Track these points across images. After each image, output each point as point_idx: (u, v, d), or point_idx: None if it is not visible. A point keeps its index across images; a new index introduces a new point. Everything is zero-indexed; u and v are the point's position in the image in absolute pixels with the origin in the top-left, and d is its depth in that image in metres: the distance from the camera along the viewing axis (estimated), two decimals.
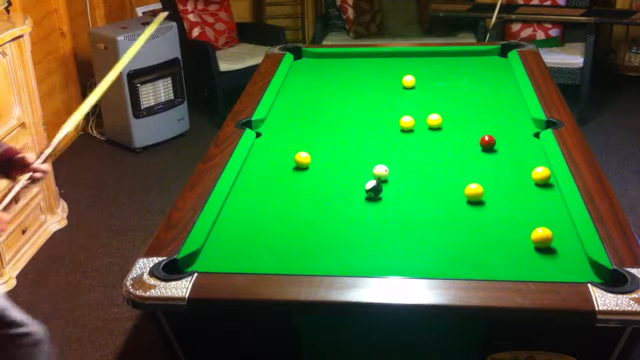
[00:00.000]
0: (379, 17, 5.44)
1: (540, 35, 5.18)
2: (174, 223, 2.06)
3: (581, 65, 4.78)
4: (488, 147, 2.54)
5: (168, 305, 1.73)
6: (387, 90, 3.20)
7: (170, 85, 4.73)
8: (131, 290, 1.75)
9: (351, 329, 1.85)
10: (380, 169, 2.33)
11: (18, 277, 3.36)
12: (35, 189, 3.54)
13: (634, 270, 1.75)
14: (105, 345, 2.91)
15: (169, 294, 1.72)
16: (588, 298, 1.65)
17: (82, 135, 4.95)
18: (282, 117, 2.94)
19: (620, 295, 1.65)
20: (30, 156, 1.90)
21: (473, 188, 2.19)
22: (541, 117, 2.74)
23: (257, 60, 4.55)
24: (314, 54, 3.67)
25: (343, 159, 2.55)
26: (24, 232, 3.49)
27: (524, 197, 2.24)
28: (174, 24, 4.71)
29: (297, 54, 3.65)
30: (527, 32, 5.21)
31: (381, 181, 2.28)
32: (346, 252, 1.96)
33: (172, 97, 4.77)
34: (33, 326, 2.05)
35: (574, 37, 5.21)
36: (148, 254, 1.90)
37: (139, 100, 4.57)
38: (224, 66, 4.93)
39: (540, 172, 2.29)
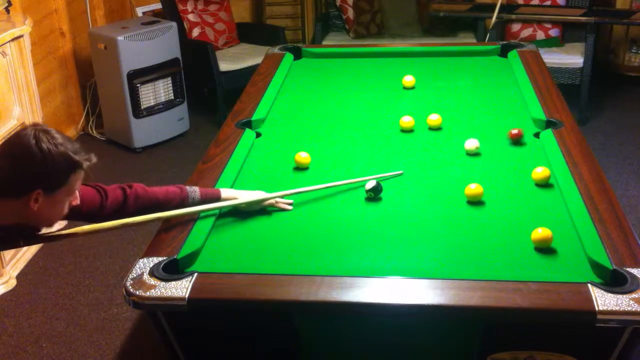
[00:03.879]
0: (379, 17, 5.44)
1: (540, 35, 5.18)
2: (174, 223, 2.06)
3: (581, 65, 4.78)
4: (516, 140, 2.57)
5: (168, 305, 1.73)
6: (387, 90, 3.20)
7: (170, 85, 4.74)
8: (131, 290, 1.75)
9: (351, 329, 1.85)
10: (473, 143, 2.50)
11: (18, 277, 3.36)
12: None
13: (634, 270, 1.75)
14: (105, 345, 2.91)
15: (169, 294, 1.72)
16: (588, 298, 1.65)
17: (82, 135, 4.95)
18: (282, 117, 2.94)
19: (620, 295, 1.65)
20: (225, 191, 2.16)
21: (473, 188, 2.19)
22: (541, 117, 2.74)
23: (257, 60, 4.55)
24: (314, 54, 3.67)
25: (343, 159, 2.55)
26: None
27: (524, 197, 2.23)
28: (174, 24, 4.71)
29: (297, 54, 3.65)
30: (527, 32, 5.21)
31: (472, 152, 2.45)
32: (346, 252, 1.96)
33: (172, 97, 4.77)
34: None
35: (574, 37, 5.21)
36: (148, 254, 1.90)
37: (139, 100, 4.57)
38: (224, 66, 4.93)
39: (540, 172, 2.29)
